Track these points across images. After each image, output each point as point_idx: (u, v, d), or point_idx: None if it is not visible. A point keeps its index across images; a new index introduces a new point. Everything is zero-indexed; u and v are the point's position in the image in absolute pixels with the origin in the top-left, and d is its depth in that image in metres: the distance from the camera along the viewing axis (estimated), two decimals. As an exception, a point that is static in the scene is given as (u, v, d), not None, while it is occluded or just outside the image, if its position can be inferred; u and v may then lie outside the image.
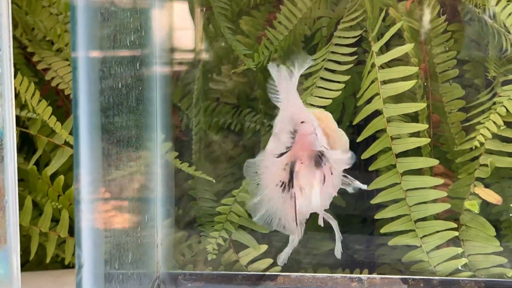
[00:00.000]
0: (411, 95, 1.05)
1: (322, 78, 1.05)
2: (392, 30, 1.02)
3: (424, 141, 0.96)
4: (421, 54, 1.13)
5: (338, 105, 1.16)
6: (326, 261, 1.16)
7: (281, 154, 0.77)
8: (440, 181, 0.95)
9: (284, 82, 0.73)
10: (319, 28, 1.24)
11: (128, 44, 0.73)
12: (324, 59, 1.07)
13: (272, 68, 0.75)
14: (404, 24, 1.11)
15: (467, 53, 1.20)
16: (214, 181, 0.99)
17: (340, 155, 0.78)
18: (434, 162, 0.96)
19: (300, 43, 1.29)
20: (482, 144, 0.99)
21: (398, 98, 1.03)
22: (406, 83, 0.97)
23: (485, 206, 1.00)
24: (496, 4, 1.04)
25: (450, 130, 1.09)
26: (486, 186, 1.09)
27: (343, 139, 0.84)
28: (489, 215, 1.09)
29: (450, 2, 1.25)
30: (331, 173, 0.79)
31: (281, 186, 0.79)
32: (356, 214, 1.14)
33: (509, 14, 1.02)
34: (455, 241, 0.98)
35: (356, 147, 1.03)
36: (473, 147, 0.99)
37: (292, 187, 0.79)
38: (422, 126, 0.96)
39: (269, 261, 0.99)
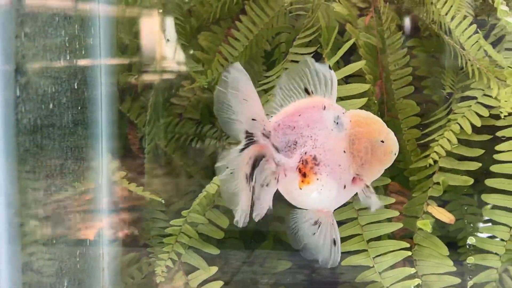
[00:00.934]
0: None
1: (276, 95, 1.03)
2: (345, 47, 1.01)
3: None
4: (377, 70, 1.12)
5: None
6: (284, 281, 1.14)
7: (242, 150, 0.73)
8: (391, 200, 0.93)
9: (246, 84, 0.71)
10: (278, 43, 1.23)
11: (62, 61, 0.71)
12: (278, 76, 1.06)
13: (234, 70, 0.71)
14: (360, 40, 1.10)
15: (426, 69, 1.20)
16: (163, 201, 0.97)
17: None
18: (386, 181, 0.94)
19: (260, 59, 1.28)
20: (436, 162, 0.97)
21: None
22: (358, 101, 0.96)
23: (443, 224, 0.99)
24: (451, 20, 1.03)
25: (406, 147, 1.08)
26: (445, 203, 1.08)
27: (386, 157, 0.79)
28: (447, 233, 1.08)
29: (411, 17, 1.25)
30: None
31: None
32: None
33: (464, 31, 1.01)
34: (410, 261, 0.96)
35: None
36: (428, 165, 0.98)
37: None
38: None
39: (220, 283, 0.96)
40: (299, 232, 0.82)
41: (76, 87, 0.74)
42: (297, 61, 1.07)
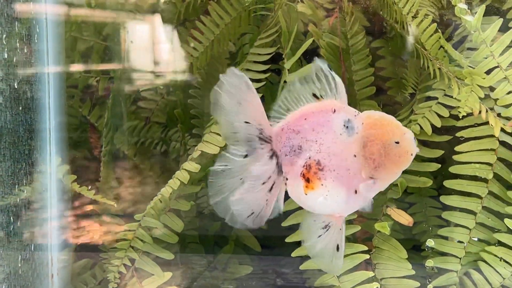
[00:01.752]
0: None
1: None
2: (303, 47, 0.99)
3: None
4: (339, 71, 1.10)
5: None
6: (248, 286, 1.11)
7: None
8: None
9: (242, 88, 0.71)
10: (242, 45, 1.22)
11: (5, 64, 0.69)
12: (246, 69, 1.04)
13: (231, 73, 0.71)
14: (321, 41, 1.08)
15: (392, 70, 1.18)
16: (115, 205, 0.94)
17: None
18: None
19: (225, 60, 1.26)
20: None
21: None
22: (314, 101, 0.94)
23: (408, 227, 0.97)
24: (413, 20, 1.02)
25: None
26: (410, 205, 1.06)
27: (402, 158, 0.76)
28: (412, 236, 1.06)
29: (378, 18, 1.23)
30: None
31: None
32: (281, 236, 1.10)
33: (424, 30, 0.99)
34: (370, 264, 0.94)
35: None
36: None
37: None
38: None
39: (174, 289, 0.94)
40: (307, 230, 0.80)
41: (21, 90, 0.71)
42: (257, 62, 1.05)
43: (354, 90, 1.11)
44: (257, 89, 0.97)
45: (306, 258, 0.93)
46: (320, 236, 0.79)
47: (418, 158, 0.96)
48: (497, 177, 0.92)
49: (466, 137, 0.94)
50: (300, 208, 0.91)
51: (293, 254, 0.93)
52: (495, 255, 0.91)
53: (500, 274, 0.90)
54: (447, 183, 0.92)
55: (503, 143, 0.92)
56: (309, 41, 0.99)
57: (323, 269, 0.84)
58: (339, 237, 0.79)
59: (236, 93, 0.71)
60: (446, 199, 0.93)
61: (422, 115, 0.97)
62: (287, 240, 0.93)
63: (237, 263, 1.08)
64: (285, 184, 0.77)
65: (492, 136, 0.93)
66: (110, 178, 1.09)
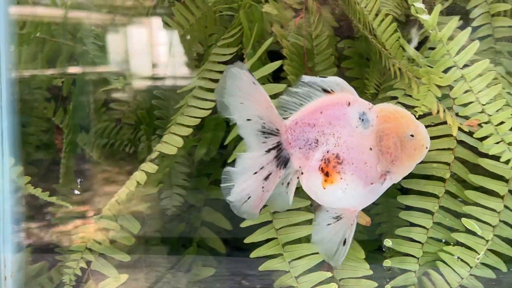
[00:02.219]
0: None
1: (194, 97, 1.01)
2: (263, 47, 0.99)
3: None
4: (303, 71, 1.10)
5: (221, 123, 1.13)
6: (211, 288, 1.11)
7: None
8: (306, 202, 0.91)
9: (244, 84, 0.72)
10: (209, 46, 1.21)
11: None
12: (199, 77, 1.03)
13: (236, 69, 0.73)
14: (285, 41, 1.08)
15: (358, 70, 1.18)
16: (70, 206, 0.93)
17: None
18: (301, 182, 0.92)
19: (193, 61, 1.26)
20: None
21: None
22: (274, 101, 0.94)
23: (372, 226, 0.97)
24: (374, 20, 1.01)
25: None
26: (375, 205, 1.06)
27: (417, 151, 0.78)
28: (377, 236, 1.06)
29: (345, 18, 1.23)
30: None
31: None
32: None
33: (384, 30, 0.99)
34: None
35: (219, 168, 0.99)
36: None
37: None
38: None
39: (133, 291, 0.93)
40: (318, 219, 0.81)
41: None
42: (220, 62, 1.05)
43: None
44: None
45: (266, 258, 0.93)
46: (329, 224, 0.80)
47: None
48: (454, 176, 0.92)
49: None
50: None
51: (252, 255, 0.92)
52: (453, 255, 0.90)
53: (459, 274, 0.90)
54: (405, 183, 0.91)
55: (461, 142, 0.92)
56: (269, 41, 0.99)
57: (325, 258, 0.84)
58: (348, 231, 0.79)
59: (239, 92, 0.72)
60: (405, 199, 0.92)
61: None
62: (246, 241, 0.92)
63: (201, 265, 1.08)
64: (298, 178, 0.77)
65: (450, 135, 0.92)
66: (70, 180, 1.08)
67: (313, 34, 1.13)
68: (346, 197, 0.76)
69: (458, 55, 0.89)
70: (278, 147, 0.75)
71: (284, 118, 0.77)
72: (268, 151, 0.75)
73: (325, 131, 0.75)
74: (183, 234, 1.14)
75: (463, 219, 0.90)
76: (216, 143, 1.10)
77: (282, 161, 0.76)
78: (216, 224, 1.13)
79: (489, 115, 0.90)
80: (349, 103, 0.75)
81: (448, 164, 0.92)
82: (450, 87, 0.94)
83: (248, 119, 0.73)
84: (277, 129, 0.75)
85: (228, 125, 0.98)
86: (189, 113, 0.99)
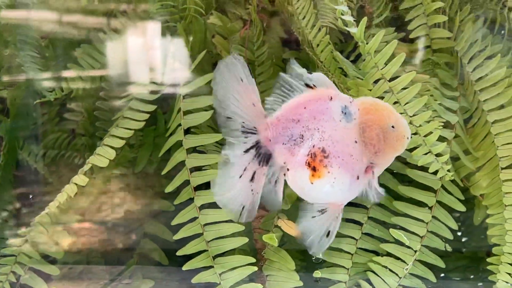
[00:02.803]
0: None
1: (130, 108, 1.01)
2: (198, 59, 0.99)
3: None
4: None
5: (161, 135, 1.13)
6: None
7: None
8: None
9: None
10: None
11: None
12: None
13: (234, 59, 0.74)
14: (224, 53, 1.09)
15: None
16: (-1, 220, 0.93)
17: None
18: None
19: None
20: (289, 175, 0.95)
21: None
22: (205, 113, 0.94)
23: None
24: (310, 32, 1.02)
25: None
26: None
27: (399, 142, 0.79)
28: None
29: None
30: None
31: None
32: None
33: (319, 42, 1.00)
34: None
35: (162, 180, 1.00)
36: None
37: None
38: (218, 158, 0.92)
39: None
40: (303, 212, 0.82)
41: None
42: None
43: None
44: (154, 100, 0.98)
45: (198, 271, 0.93)
46: (314, 217, 0.80)
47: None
48: (384, 187, 0.92)
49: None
50: (194, 220, 0.91)
51: (184, 268, 0.92)
52: (383, 266, 0.91)
53: (388, 285, 0.91)
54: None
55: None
56: (202, 53, 0.99)
57: (307, 248, 0.83)
58: (333, 224, 0.80)
59: (228, 87, 0.74)
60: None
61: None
62: (178, 253, 0.92)
63: (141, 277, 1.07)
64: (284, 175, 0.77)
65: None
66: (6, 192, 1.08)
67: (255, 45, 1.13)
68: (334, 191, 0.76)
69: (385, 67, 0.90)
70: (257, 145, 0.76)
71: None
72: (247, 151, 0.75)
73: (310, 126, 0.75)
74: (125, 246, 1.14)
75: (391, 230, 0.91)
76: (157, 155, 1.10)
77: (263, 158, 0.77)
78: (159, 236, 1.13)
79: (417, 127, 0.90)
80: (331, 98, 0.76)
81: (377, 175, 0.92)
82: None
83: (228, 118, 0.74)
84: (255, 127, 0.75)
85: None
86: (124, 125, 0.99)
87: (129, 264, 1.10)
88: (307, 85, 0.76)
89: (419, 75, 1.04)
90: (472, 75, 1.00)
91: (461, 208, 0.93)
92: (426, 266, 0.91)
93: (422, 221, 0.91)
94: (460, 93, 1.02)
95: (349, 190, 0.77)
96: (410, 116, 0.91)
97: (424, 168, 0.91)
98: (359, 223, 0.92)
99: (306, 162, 0.75)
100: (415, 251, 0.91)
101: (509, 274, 0.90)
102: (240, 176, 0.76)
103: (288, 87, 0.76)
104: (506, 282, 0.90)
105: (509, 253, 0.91)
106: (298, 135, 0.75)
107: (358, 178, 0.77)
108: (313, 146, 0.75)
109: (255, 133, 0.75)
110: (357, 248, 0.92)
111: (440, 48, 1.08)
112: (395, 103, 0.92)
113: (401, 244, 0.91)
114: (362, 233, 0.92)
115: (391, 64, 0.90)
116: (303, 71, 0.77)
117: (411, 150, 0.91)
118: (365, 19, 0.91)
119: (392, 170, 0.93)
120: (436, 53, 1.08)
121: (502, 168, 0.93)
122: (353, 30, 0.90)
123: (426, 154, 0.90)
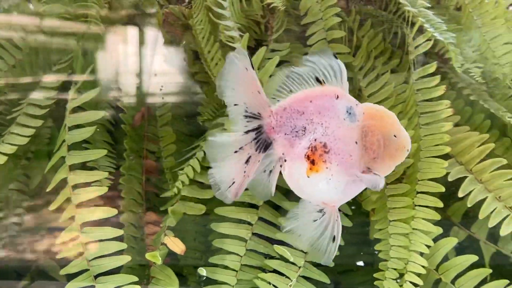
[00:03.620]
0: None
1: (17, 124, 0.99)
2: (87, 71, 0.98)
3: (103, 189, 0.90)
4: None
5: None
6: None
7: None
8: (119, 232, 0.89)
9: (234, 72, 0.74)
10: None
11: None
12: (26, 103, 1.01)
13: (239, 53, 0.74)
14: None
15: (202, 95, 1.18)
16: None
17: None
18: (113, 212, 0.90)
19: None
20: (180, 190, 0.94)
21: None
22: (89, 129, 0.92)
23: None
24: (205, 46, 1.02)
25: (166, 175, 1.05)
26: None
27: (398, 152, 0.79)
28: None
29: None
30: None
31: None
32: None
33: (212, 57, 1.00)
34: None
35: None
36: (173, 194, 0.95)
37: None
38: (102, 174, 0.91)
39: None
40: (299, 222, 0.80)
41: None
42: (45, 88, 1.03)
43: (156, 116, 1.10)
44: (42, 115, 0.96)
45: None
46: (315, 220, 0.79)
47: (197, 184, 0.95)
48: (269, 203, 0.92)
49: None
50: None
51: None
52: (268, 282, 0.90)
53: (274, 301, 0.90)
54: (218, 210, 0.91)
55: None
56: (91, 66, 0.98)
57: (317, 260, 0.83)
58: (336, 228, 0.79)
59: (232, 77, 0.74)
60: (217, 227, 0.92)
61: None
62: (61, 272, 0.90)
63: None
64: (281, 166, 0.77)
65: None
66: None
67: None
68: (329, 189, 0.76)
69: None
70: (258, 130, 0.76)
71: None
72: (247, 132, 0.75)
73: (314, 120, 0.75)
74: (21, 262, 1.11)
75: (275, 246, 0.90)
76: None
77: (262, 144, 0.76)
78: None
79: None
80: (337, 96, 0.76)
81: (262, 191, 0.92)
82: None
83: (235, 104, 0.75)
84: (259, 113, 0.75)
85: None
86: (9, 141, 0.96)
87: (25, 279, 1.07)
88: (318, 80, 0.76)
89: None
90: (365, 90, 1.01)
91: (348, 223, 0.93)
92: (310, 282, 0.90)
93: (306, 237, 0.91)
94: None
95: (344, 191, 0.77)
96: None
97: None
98: (244, 240, 0.91)
99: (305, 155, 0.75)
100: (299, 267, 0.90)
101: (393, 289, 0.90)
102: (235, 152, 0.76)
103: (297, 80, 0.77)
104: (392, 297, 0.90)
105: (393, 269, 0.91)
106: (301, 127, 0.76)
107: (354, 180, 0.77)
108: (315, 140, 0.75)
109: (258, 118, 0.76)
110: (241, 264, 0.90)
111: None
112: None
113: (285, 260, 0.90)
114: (246, 249, 0.91)
115: (271, 80, 0.89)
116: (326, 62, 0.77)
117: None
118: (247, 34, 0.91)
119: (279, 186, 0.93)
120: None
121: (387, 184, 0.93)
122: (236, 45, 0.90)
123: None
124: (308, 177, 0.75)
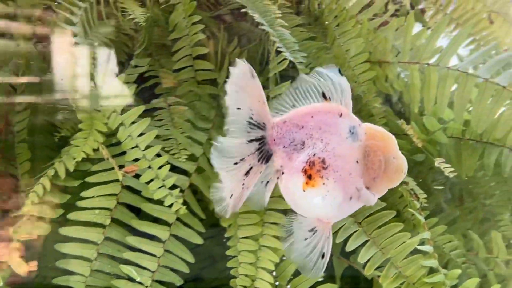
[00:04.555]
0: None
1: None
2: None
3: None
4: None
5: None
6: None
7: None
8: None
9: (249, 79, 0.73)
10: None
11: None
12: None
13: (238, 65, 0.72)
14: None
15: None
16: None
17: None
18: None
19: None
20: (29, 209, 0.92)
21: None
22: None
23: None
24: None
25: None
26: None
27: (396, 174, 0.79)
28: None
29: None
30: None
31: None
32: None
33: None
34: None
35: None
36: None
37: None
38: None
39: None
40: (292, 235, 0.80)
41: None
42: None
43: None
44: None
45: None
46: (306, 239, 0.78)
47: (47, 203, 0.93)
48: (116, 221, 0.91)
49: (95, 181, 0.93)
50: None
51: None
52: (115, 302, 0.89)
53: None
54: (64, 231, 0.89)
55: (127, 188, 0.92)
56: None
57: (305, 274, 0.80)
58: (326, 245, 0.78)
59: (237, 81, 0.72)
60: (62, 247, 0.90)
61: (60, 159, 0.95)
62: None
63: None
64: (278, 178, 0.76)
65: (117, 180, 0.92)
66: None
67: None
68: (324, 205, 0.75)
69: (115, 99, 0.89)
70: (261, 140, 0.75)
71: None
72: (251, 141, 0.74)
73: (314, 135, 0.75)
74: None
75: (121, 265, 0.89)
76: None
77: (264, 155, 0.75)
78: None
79: (149, 160, 0.90)
80: (341, 114, 0.76)
81: (110, 210, 0.91)
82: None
83: (238, 108, 0.73)
84: (264, 123, 0.74)
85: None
86: None
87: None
88: (324, 96, 0.76)
89: (176, 107, 1.05)
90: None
91: (199, 241, 0.93)
92: (159, 301, 0.90)
93: (154, 255, 0.91)
94: (214, 124, 1.03)
95: (339, 208, 0.76)
96: (143, 150, 0.91)
97: (161, 202, 0.91)
98: (89, 260, 0.90)
99: (303, 169, 0.74)
100: (146, 287, 0.90)
101: (241, 306, 0.91)
102: (236, 163, 0.74)
103: (302, 94, 0.76)
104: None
105: (242, 286, 0.91)
106: (300, 141, 0.75)
107: (350, 199, 0.76)
108: (314, 155, 0.74)
109: (262, 129, 0.75)
110: (86, 285, 0.89)
111: (204, 79, 1.08)
112: (128, 136, 0.91)
113: (132, 280, 0.89)
114: (92, 269, 0.90)
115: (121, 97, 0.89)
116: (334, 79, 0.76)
117: (147, 183, 0.91)
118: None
119: (128, 204, 0.92)
120: (200, 85, 1.08)
121: (239, 201, 0.94)
122: None
123: (160, 187, 0.90)
124: (304, 191, 0.75)
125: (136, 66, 1.04)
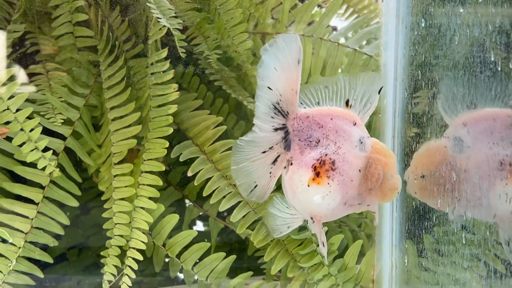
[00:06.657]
0: None
1: None
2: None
3: None
4: None
5: None
6: None
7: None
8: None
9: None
10: None
11: None
12: None
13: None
14: None
15: None
16: None
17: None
18: None
19: None
20: None
21: None
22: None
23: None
24: None
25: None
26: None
27: (390, 192, 0.81)
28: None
29: None
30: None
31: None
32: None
33: None
34: None
35: None
36: None
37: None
38: None
39: None
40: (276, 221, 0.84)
41: None
42: None
43: None
44: None
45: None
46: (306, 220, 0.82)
47: None
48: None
49: None
50: None
51: None
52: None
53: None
54: None
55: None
56: None
57: None
58: (322, 236, 0.82)
59: (282, 59, 0.73)
60: None
61: None
62: None
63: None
64: (285, 167, 0.78)
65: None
66: None
67: None
68: (322, 204, 0.77)
69: None
70: (285, 129, 0.77)
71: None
72: (276, 130, 0.77)
73: (330, 136, 0.77)
74: None
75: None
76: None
77: (289, 143, 0.78)
78: None
79: (21, 123, 0.90)
80: (355, 124, 0.78)
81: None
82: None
83: (269, 88, 0.74)
84: (288, 112, 0.76)
85: None
86: None
87: None
88: (347, 103, 0.79)
89: (54, 73, 1.04)
90: (104, 73, 1.03)
91: (74, 203, 0.95)
92: (32, 262, 0.90)
93: (27, 217, 0.91)
94: (93, 90, 1.04)
95: (333, 210, 0.78)
96: (14, 112, 0.91)
97: (34, 165, 0.91)
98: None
99: (312, 165, 0.76)
100: (19, 248, 0.90)
101: (115, 266, 0.93)
102: (264, 152, 0.77)
103: (330, 94, 0.79)
104: (112, 274, 0.93)
105: (117, 246, 0.94)
106: (316, 139, 0.77)
107: (345, 204, 0.78)
108: (326, 155, 0.77)
109: (285, 117, 0.77)
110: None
111: (84, 46, 1.08)
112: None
113: (5, 241, 0.89)
114: (-38, 232, 0.89)
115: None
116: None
117: (20, 146, 0.91)
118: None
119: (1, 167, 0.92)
120: (81, 51, 1.08)
121: (115, 164, 0.96)
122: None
123: (33, 150, 0.90)
124: (309, 186, 0.77)
125: (13, 32, 1.03)
